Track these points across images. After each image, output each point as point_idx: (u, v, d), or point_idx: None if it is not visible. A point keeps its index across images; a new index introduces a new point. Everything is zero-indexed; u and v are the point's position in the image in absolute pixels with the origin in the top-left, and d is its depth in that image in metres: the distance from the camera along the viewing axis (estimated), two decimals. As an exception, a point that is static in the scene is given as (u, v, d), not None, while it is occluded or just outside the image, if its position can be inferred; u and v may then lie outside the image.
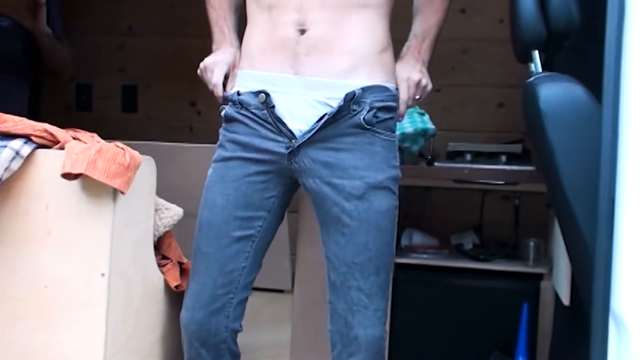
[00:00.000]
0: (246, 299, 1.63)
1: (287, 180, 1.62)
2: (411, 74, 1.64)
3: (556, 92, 1.44)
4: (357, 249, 1.55)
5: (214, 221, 1.59)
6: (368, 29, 1.58)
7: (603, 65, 1.24)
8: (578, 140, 1.41)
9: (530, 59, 1.57)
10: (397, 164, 1.63)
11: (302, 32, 1.55)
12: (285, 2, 1.56)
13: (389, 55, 1.62)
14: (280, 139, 1.56)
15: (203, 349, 1.60)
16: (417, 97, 1.66)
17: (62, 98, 3.41)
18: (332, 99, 1.55)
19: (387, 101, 1.59)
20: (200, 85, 3.36)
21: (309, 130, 1.55)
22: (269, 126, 1.57)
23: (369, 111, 1.55)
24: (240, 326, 1.63)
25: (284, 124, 1.56)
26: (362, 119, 1.54)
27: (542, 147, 1.48)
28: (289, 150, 1.56)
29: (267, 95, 1.56)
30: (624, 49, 1.21)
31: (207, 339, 1.59)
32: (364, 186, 1.55)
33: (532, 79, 1.51)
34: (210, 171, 1.64)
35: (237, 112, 1.60)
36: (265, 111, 1.57)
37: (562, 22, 1.50)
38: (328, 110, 1.55)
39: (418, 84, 1.65)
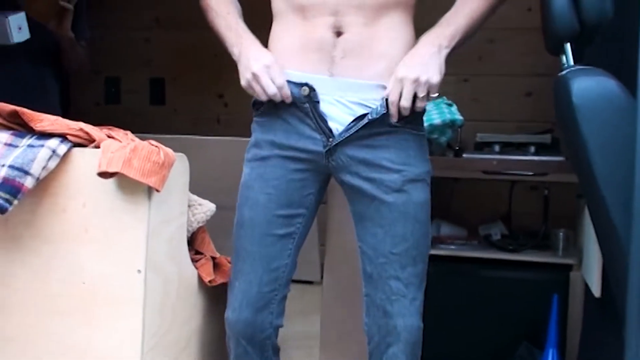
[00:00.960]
0: (286, 295, 1.66)
1: (322, 177, 1.64)
2: (408, 72, 1.50)
3: (589, 86, 1.43)
4: (395, 240, 1.57)
5: (257, 220, 1.60)
6: (399, 30, 1.58)
7: (636, 59, 1.23)
8: (612, 134, 1.40)
9: (562, 51, 1.57)
10: (428, 157, 1.64)
11: (338, 34, 1.55)
12: (320, 3, 1.54)
13: None
14: (318, 136, 1.57)
15: (249, 346, 1.62)
16: (421, 94, 1.51)
17: (92, 92, 3.44)
18: (368, 100, 1.56)
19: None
20: (227, 77, 3.37)
21: (347, 129, 1.56)
22: (309, 121, 1.57)
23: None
24: (282, 322, 1.66)
25: (324, 121, 1.56)
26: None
27: (575, 141, 1.47)
28: (326, 149, 1.57)
29: (312, 89, 1.55)
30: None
31: (254, 336, 1.61)
32: (401, 179, 1.56)
33: (564, 72, 1.51)
34: (247, 170, 1.64)
35: (275, 103, 1.57)
36: (307, 105, 1.56)
37: (595, 14, 1.48)
38: (363, 110, 1.56)
39: (416, 81, 1.50)
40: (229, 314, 1.63)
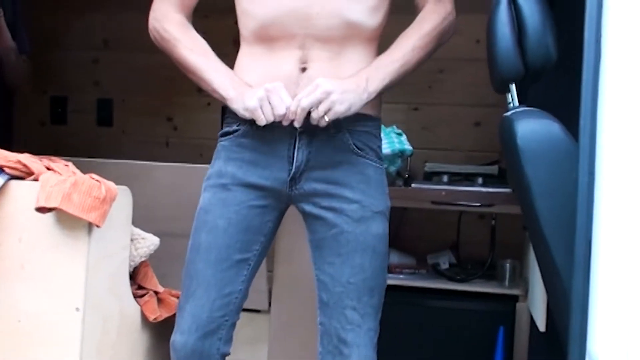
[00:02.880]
0: (236, 323, 1.63)
1: (283, 205, 1.63)
2: (333, 97, 1.47)
3: (533, 129, 1.45)
4: (353, 270, 1.58)
5: (214, 244, 1.58)
6: (362, 62, 1.57)
7: (578, 98, 1.25)
8: (555, 177, 1.42)
9: (507, 90, 1.59)
10: (387, 192, 1.65)
11: (303, 69, 1.55)
12: (289, 36, 1.54)
13: None
14: (285, 163, 1.57)
15: None
16: (317, 113, 1.49)
17: (37, 111, 3.36)
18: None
19: (373, 128, 1.63)
20: (176, 100, 3.33)
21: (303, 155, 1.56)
22: (282, 147, 1.56)
23: (355, 137, 1.57)
24: (229, 350, 1.63)
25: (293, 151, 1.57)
26: (351, 144, 1.57)
27: (519, 181, 1.49)
28: (290, 177, 1.57)
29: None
30: (600, 90, 1.22)
31: None
32: (361, 210, 1.58)
33: (509, 113, 1.52)
34: (207, 195, 1.61)
35: (251, 128, 1.55)
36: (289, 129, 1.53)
37: (539, 58, 1.51)
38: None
39: (328, 102, 1.47)
40: (176, 337, 1.59)
